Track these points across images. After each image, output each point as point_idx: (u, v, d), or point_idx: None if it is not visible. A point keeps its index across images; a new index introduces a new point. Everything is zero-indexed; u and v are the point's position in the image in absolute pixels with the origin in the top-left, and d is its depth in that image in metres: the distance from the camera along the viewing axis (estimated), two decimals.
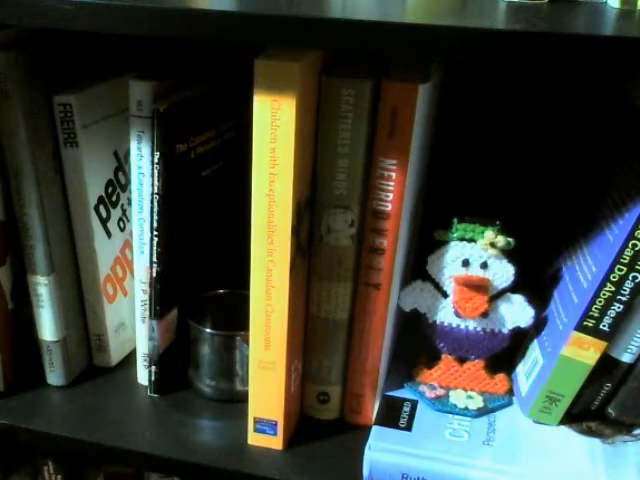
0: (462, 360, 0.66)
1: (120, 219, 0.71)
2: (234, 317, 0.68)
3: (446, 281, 0.63)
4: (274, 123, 0.53)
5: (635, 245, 0.55)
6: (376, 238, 0.59)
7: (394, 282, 0.61)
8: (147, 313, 0.67)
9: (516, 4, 0.55)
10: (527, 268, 0.62)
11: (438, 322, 0.64)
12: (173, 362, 0.70)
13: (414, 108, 0.55)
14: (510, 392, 0.66)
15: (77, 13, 0.49)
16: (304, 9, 0.49)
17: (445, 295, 0.64)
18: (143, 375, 0.71)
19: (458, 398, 0.65)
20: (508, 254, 0.62)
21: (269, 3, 0.51)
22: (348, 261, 0.61)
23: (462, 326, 0.64)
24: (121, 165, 0.70)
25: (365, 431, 0.63)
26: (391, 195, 0.58)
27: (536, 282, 0.69)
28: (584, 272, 0.60)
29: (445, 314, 0.64)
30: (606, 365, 0.60)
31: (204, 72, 0.69)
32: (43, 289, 0.67)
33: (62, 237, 0.67)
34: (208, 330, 0.67)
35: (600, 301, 0.57)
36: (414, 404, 0.65)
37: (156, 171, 0.62)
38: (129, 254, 0.72)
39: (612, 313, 0.57)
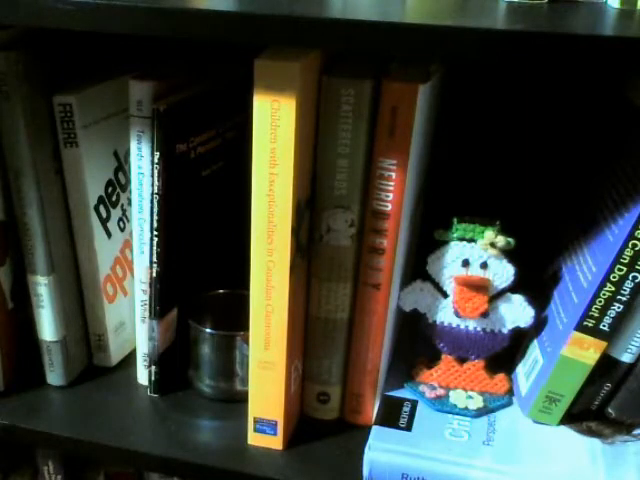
0: (462, 360, 0.66)
1: (120, 219, 0.71)
2: (234, 317, 0.68)
3: (446, 281, 0.63)
4: (274, 123, 0.53)
5: (635, 245, 0.55)
6: (376, 238, 0.59)
7: (394, 282, 0.61)
8: (147, 313, 0.67)
9: (516, 4, 0.55)
10: (527, 268, 0.62)
11: (438, 322, 0.64)
12: (173, 362, 0.70)
13: (414, 108, 0.55)
14: (510, 392, 0.66)
15: (77, 13, 0.49)
16: (304, 9, 0.49)
17: (445, 295, 0.64)
18: (143, 375, 0.71)
19: (458, 398, 0.65)
20: (508, 254, 0.62)
21: (269, 3, 0.51)
22: (348, 261, 0.61)
23: (462, 326, 0.64)
24: (121, 165, 0.70)
25: (365, 431, 0.63)
26: (391, 195, 0.58)
27: (536, 282, 0.69)
28: (584, 272, 0.60)
29: (445, 314, 0.64)
30: (606, 365, 0.60)
31: (204, 72, 0.69)
32: (43, 289, 0.67)
33: (62, 237, 0.67)
34: (208, 330, 0.67)
35: (600, 301, 0.57)
36: (414, 404, 0.65)
37: (156, 171, 0.62)
38: (129, 254, 0.72)
39: (612, 313, 0.57)
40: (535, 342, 0.65)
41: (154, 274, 0.65)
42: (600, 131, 0.72)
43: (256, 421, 0.63)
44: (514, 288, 0.63)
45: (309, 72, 0.54)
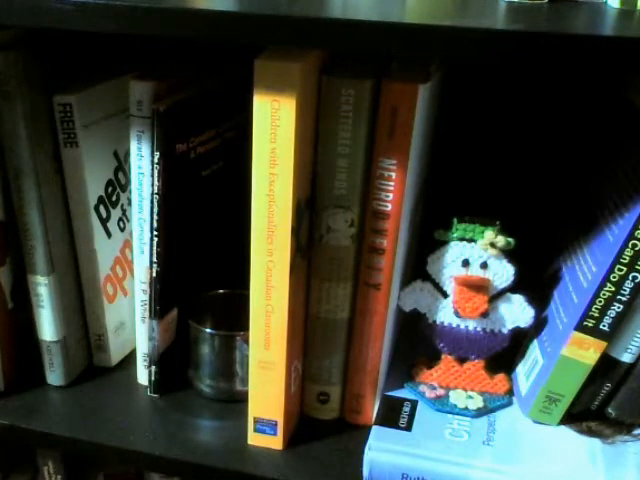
0: (462, 360, 0.66)
1: (120, 219, 0.71)
2: (234, 317, 0.68)
3: (446, 281, 0.63)
4: (274, 123, 0.53)
5: (635, 245, 0.55)
6: (376, 238, 0.59)
7: (394, 282, 0.61)
8: (147, 313, 0.67)
9: (516, 4, 0.55)
10: (527, 268, 0.62)
11: (438, 322, 0.64)
12: (173, 362, 0.70)
13: (414, 108, 0.55)
14: (510, 392, 0.66)
15: (77, 13, 0.49)
16: (304, 9, 0.49)
17: (445, 295, 0.64)
18: (143, 375, 0.71)
19: (458, 398, 0.65)
20: (508, 254, 0.62)
21: (269, 3, 0.51)
22: (348, 261, 0.61)
23: (462, 326, 0.64)
24: (121, 165, 0.70)
25: (365, 431, 0.63)
26: (391, 195, 0.58)
27: (536, 282, 0.69)
28: (584, 272, 0.60)
29: (445, 314, 0.64)
30: (606, 365, 0.60)
31: (204, 72, 0.69)
32: (43, 289, 0.67)
33: (62, 237, 0.67)
34: (208, 330, 0.67)
35: (600, 301, 0.57)
36: (414, 404, 0.65)
37: (156, 171, 0.62)
38: (129, 254, 0.72)
39: (612, 313, 0.57)
40: (535, 342, 0.65)
41: (154, 274, 0.65)
42: (600, 131, 0.72)
43: (256, 421, 0.63)
44: (514, 288, 0.63)
45: (309, 72, 0.54)
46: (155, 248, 0.64)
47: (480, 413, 0.64)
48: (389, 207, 0.58)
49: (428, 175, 0.69)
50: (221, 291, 0.73)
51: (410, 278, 0.65)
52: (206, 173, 0.69)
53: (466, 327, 0.64)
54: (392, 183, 0.57)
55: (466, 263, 0.62)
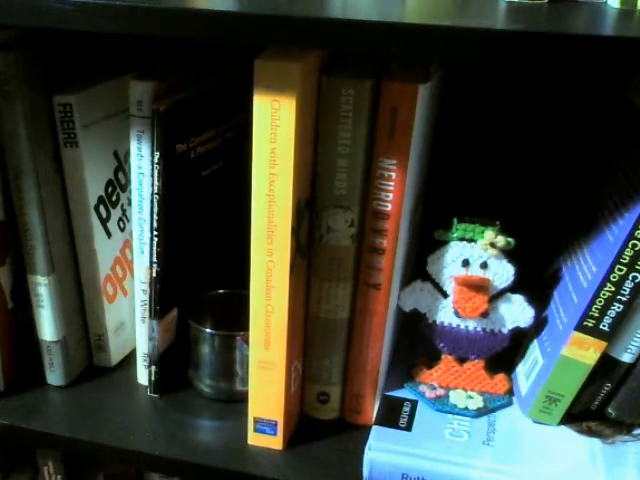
0: (462, 360, 0.66)
1: (120, 219, 0.71)
2: (234, 317, 0.68)
3: (446, 281, 0.63)
4: (274, 123, 0.53)
5: (635, 245, 0.55)
6: (376, 238, 0.59)
7: (394, 282, 0.61)
8: (147, 313, 0.67)
9: (516, 4, 0.55)
10: (527, 268, 0.62)
11: (438, 322, 0.64)
12: (173, 362, 0.70)
13: (414, 108, 0.55)
14: (510, 392, 0.66)
15: (77, 13, 0.49)
16: (304, 9, 0.49)
17: (445, 295, 0.64)
18: (143, 375, 0.71)
19: (458, 398, 0.65)
20: (508, 254, 0.62)
21: (269, 3, 0.51)
22: (348, 261, 0.61)
23: (462, 326, 0.64)
24: (121, 165, 0.70)
25: (365, 431, 0.63)
26: (391, 195, 0.58)
27: (536, 282, 0.69)
28: (584, 272, 0.60)
29: (445, 314, 0.64)
30: (606, 365, 0.60)
31: (204, 72, 0.69)
32: (43, 289, 0.67)
33: (62, 237, 0.67)
34: (208, 330, 0.67)
35: (600, 301, 0.57)
36: (414, 404, 0.65)
37: (156, 171, 0.62)
38: (129, 254, 0.72)
39: (612, 313, 0.57)
40: (535, 342, 0.65)
41: (154, 274, 0.65)
42: (600, 131, 0.72)
43: (256, 421, 0.63)
44: (514, 288, 0.63)
45: (309, 72, 0.54)
46: (155, 248, 0.64)
47: (480, 413, 0.64)
48: (389, 207, 0.58)
49: (428, 175, 0.69)
50: (221, 291, 0.73)
51: (410, 278, 0.65)
52: (206, 173, 0.69)
53: (466, 327, 0.64)
54: (392, 183, 0.57)
55: (466, 263, 0.62)
